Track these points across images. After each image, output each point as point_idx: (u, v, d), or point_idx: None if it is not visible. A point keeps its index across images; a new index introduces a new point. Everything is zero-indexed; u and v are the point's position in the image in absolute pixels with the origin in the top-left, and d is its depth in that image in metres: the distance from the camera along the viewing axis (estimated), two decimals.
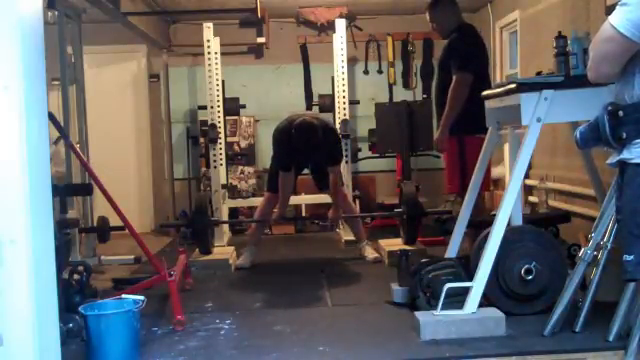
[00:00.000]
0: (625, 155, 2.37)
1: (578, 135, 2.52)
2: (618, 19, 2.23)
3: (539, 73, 3.82)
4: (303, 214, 7.35)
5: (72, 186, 5.36)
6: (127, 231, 4.41)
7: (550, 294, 3.55)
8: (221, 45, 6.72)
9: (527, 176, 5.55)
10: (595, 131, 2.43)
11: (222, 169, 6.72)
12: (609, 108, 2.39)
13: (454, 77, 4.65)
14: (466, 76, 4.61)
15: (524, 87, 3.50)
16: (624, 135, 2.34)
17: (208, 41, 6.52)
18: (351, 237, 6.03)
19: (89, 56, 6.56)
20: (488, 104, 4.06)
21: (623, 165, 2.41)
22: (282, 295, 4.50)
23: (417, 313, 3.46)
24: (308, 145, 5.21)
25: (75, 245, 5.40)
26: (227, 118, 7.08)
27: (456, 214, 4.39)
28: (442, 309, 3.34)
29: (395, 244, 5.56)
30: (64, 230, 4.58)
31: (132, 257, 5.81)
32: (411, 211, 5.57)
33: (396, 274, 4.12)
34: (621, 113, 2.35)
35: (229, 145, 7.38)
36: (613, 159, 2.44)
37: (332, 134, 5.56)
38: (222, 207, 6.51)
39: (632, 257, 2.34)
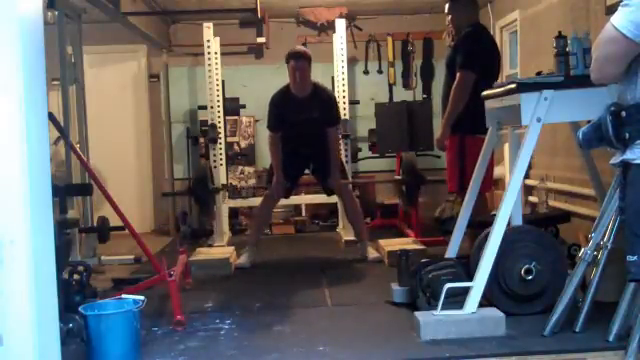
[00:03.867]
0: (628, 155, 2.37)
1: (581, 136, 2.53)
2: (620, 20, 2.24)
3: (539, 73, 3.82)
4: (303, 214, 7.36)
5: (72, 186, 5.35)
6: (127, 231, 4.42)
7: (550, 294, 3.55)
8: (221, 45, 6.73)
9: (527, 176, 5.55)
10: (598, 131, 2.43)
11: (222, 169, 6.73)
12: (612, 109, 2.39)
13: (457, 75, 4.65)
14: (468, 74, 4.60)
15: (524, 87, 3.50)
16: (627, 135, 2.35)
17: (208, 41, 6.53)
18: (351, 237, 6.03)
19: (89, 56, 6.56)
20: (488, 104, 4.06)
21: (626, 165, 2.41)
22: (282, 295, 4.49)
23: (417, 313, 3.46)
24: (298, 55, 5.36)
25: (75, 245, 5.39)
26: (227, 118, 7.08)
27: (456, 214, 4.39)
28: (442, 309, 3.34)
29: (395, 244, 5.56)
30: (64, 230, 4.58)
31: (132, 257, 5.82)
32: (410, 179, 5.54)
33: (396, 274, 4.12)
34: (624, 114, 2.35)
35: (229, 145, 7.39)
36: (616, 159, 2.44)
37: (328, 93, 5.69)
38: (222, 207, 6.52)
39: (635, 257, 2.35)
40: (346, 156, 6.49)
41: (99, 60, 7.48)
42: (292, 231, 7.32)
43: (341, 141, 6.38)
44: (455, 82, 4.65)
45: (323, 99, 5.49)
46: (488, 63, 4.80)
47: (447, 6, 5.01)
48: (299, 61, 5.36)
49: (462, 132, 4.71)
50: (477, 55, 4.67)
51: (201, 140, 7.47)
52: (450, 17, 4.98)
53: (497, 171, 5.80)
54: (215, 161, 6.40)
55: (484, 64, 4.70)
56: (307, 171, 5.81)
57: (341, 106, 6.67)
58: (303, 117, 5.42)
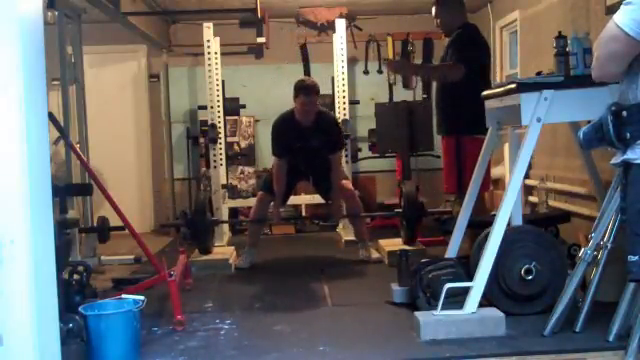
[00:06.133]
0: (629, 155, 2.37)
1: (581, 136, 2.53)
2: (622, 18, 2.24)
3: (539, 73, 3.82)
4: (303, 214, 7.36)
5: (72, 186, 5.35)
6: (127, 231, 4.42)
7: (550, 294, 3.55)
8: (221, 45, 6.72)
9: (527, 176, 5.55)
10: (599, 131, 2.43)
11: (222, 169, 6.73)
12: (613, 108, 2.39)
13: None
14: (460, 67, 4.62)
15: (524, 87, 3.50)
16: (628, 135, 2.35)
17: (208, 41, 6.52)
18: (351, 237, 6.03)
19: (89, 56, 6.56)
20: (488, 104, 4.06)
21: (627, 165, 2.41)
22: (282, 295, 4.50)
23: (417, 313, 3.46)
24: (309, 90, 5.26)
25: (75, 245, 5.39)
26: (227, 118, 7.08)
27: (456, 214, 4.39)
28: (442, 309, 3.34)
29: (395, 244, 5.56)
30: (64, 230, 4.58)
31: (132, 257, 5.82)
32: (411, 211, 5.56)
33: (396, 274, 4.12)
34: (625, 113, 2.35)
35: (229, 145, 7.38)
36: (617, 159, 2.44)
37: (332, 119, 5.68)
38: (222, 207, 6.51)
39: (637, 257, 2.34)
40: (346, 156, 6.49)
41: (99, 60, 7.48)
42: (292, 231, 7.32)
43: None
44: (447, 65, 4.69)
45: (326, 126, 5.48)
46: (481, 62, 4.82)
47: (433, 9, 5.01)
48: (309, 96, 5.29)
49: (459, 133, 4.72)
50: (470, 54, 4.69)
51: (201, 140, 7.47)
52: (438, 20, 4.98)
53: (497, 171, 5.81)
54: (215, 161, 6.40)
55: (476, 63, 4.71)
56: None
57: (341, 106, 6.69)
58: (306, 145, 5.42)
